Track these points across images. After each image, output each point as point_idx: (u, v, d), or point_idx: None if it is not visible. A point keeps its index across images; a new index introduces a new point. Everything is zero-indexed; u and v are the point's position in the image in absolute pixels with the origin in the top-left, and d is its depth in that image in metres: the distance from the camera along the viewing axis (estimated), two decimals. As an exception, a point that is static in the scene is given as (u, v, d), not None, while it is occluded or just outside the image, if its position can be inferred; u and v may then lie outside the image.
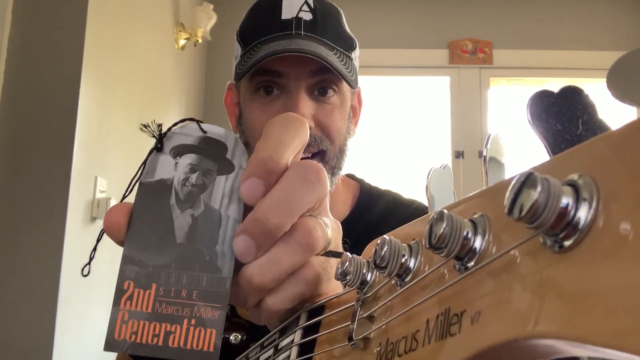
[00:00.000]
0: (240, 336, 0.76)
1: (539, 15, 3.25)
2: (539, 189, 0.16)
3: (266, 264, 0.34)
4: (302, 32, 0.83)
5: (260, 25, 0.86)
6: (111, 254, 2.03)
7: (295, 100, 0.82)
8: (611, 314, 0.15)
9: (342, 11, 0.93)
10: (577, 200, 0.16)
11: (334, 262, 0.39)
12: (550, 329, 0.16)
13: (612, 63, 0.18)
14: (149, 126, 0.39)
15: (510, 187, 0.17)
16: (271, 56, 0.80)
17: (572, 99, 0.20)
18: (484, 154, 0.23)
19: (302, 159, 0.85)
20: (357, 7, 3.16)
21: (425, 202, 0.96)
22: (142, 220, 0.36)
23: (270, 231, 0.34)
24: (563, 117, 0.20)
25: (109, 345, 0.35)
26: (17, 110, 1.77)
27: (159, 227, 0.36)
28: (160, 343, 0.34)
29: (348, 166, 1.06)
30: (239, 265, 0.35)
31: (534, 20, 3.24)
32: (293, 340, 0.37)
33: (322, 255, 0.38)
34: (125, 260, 0.36)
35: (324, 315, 0.35)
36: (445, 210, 0.21)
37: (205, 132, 0.38)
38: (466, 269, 0.21)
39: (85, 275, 0.41)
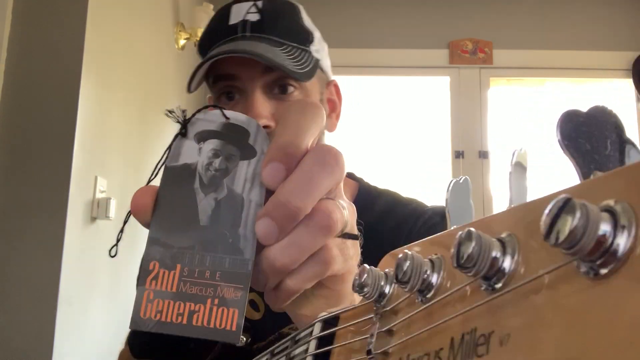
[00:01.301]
0: (245, 338, 0.76)
1: (539, 15, 3.25)
2: (578, 215, 0.16)
3: (288, 246, 0.36)
4: (248, 34, 0.85)
5: (211, 35, 0.89)
6: (111, 254, 2.03)
7: (251, 101, 0.84)
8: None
9: (300, 7, 0.93)
10: (616, 227, 0.16)
11: (350, 243, 0.41)
12: (581, 358, 0.16)
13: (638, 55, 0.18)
14: (174, 112, 0.40)
15: (547, 212, 0.17)
16: (207, 61, 0.83)
17: (601, 118, 0.20)
18: (509, 169, 0.23)
19: None
20: (357, 8, 3.16)
21: (425, 202, 0.96)
22: (168, 203, 0.38)
23: (292, 214, 0.35)
24: (592, 137, 0.20)
25: (135, 323, 0.36)
26: (17, 110, 1.77)
27: (183, 210, 0.38)
28: (184, 321, 0.35)
29: (348, 166, 1.06)
30: (260, 248, 0.37)
31: (534, 20, 3.24)
32: (307, 349, 0.37)
33: (339, 237, 0.39)
34: (151, 241, 0.37)
35: (339, 327, 0.35)
36: (473, 229, 0.21)
37: (228, 118, 0.40)
38: (493, 289, 0.21)
39: (113, 256, 0.43)
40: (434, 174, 3.17)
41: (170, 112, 0.40)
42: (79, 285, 1.83)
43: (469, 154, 3.13)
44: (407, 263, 0.25)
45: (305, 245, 0.36)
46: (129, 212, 0.39)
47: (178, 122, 0.40)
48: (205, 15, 2.64)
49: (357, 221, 0.44)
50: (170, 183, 0.38)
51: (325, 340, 0.36)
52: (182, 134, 0.40)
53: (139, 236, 0.99)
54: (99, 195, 1.93)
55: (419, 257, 0.25)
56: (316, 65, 0.90)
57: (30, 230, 1.72)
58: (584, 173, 0.20)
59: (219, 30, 0.87)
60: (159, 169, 0.40)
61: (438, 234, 0.28)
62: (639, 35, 3.20)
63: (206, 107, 0.41)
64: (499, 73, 3.26)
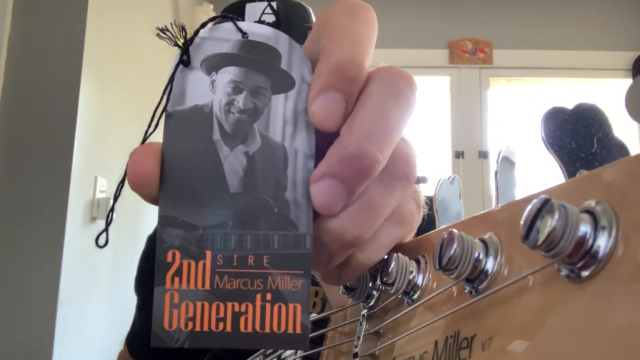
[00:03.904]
0: None
1: (539, 15, 3.24)
2: (556, 216, 0.15)
3: (361, 212, 0.26)
4: None
5: None
6: (111, 253, 2.03)
7: None
8: (627, 352, 0.14)
9: (310, 9, 0.93)
10: (596, 228, 0.16)
11: (419, 188, 0.32)
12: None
13: (631, 83, 0.18)
14: (169, 30, 0.30)
15: (525, 213, 0.16)
16: None
17: (587, 115, 0.20)
18: (496, 167, 0.22)
19: None
20: (357, 7, 3.15)
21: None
22: (180, 166, 0.27)
23: (368, 169, 0.25)
24: (578, 135, 0.20)
25: (158, 339, 0.26)
26: (17, 110, 1.77)
27: (203, 173, 0.27)
28: (228, 329, 0.26)
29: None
30: (316, 215, 0.27)
31: (534, 20, 3.23)
32: (297, 351, 0.36)
33: None
34: (165, 222, 0.27)
35: (329, 328, 0.34)
36: (456, 231, 0.20)
37: (245, 34, 0.29)
38: (477, 292, 0.20)
39: (102, 246, 0.31)
40: (434, 174, 3.16)
41: (162, 30, 0.30)
42: (79, 285, 1.83)
43: (469, 154, 3.12)
44: (393, 265, 0.25)
45: (383, 206, 0.26)
46: (121, 182, 0.29)
47: (176, 44, 0.30)
48: (205, 15, 2.64)
49: None
50: (179, 136, 0.28)
51: (315, 342, 0.35)
52: (184, 62, 0.29)
53: (141, 230, 0.99)
54: (99, 195, 1.93)
55: (404, 258, 0.25)
56: None
57: (30, 230, 1.72)
58: (570, 172, 0.20)
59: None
60: (160, 117, 0.29)
61: (424, 234, 0.28)
62: (639, 35, 3.19)
63: (214, 18, 0.30)
64: (499, 73, 3.25)
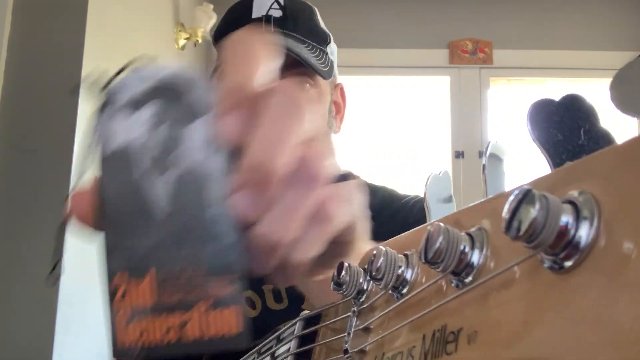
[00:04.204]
0: None
1: (539, 15, 3.23)
2: (537, 207, 0.15)
3: (278, 216, 0.29)
4: (272, 29, 0.85)
5: (232, 26, 0.88)
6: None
7: None
8: (611, 343, 0.14)
9: (315, 9, 0.94)
10: (578, 218, 0.16)
11: (345, 185, 0.34)
12: (547, 355, 0.15)
13: (615, 73, 0.18)
14: (88, 80, 0.32)
15: (507, 204, 0.16)
16: None
17: (574, 107, 0.20)
18: (483, 162, 0.22)
19: None
20: (357, 8, 3.16)
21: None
22: (114, 199, 0.30)
23: (267, 177, 0.29)
24: (564, 127, 0.20)
25: (118, 355, 0.29)
26: (17, 110, 1.77)
27: (136, 203, 0.30)
28: (175, 338, 0.29)
29: (347, 165, 1.06)
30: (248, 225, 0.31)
31: (534, 20, 3.23)
32: (289, 348, 0.36)
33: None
34: (110, 249, 0.30)
35: (320, 325, 0.34)
36: (442, 224, 0.20)
37: (159, 72, 0.32)
38: (463, 284, 0.20)
39: (53, 283, 0.34)
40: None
41: (83, 84, 0.32)
42: (79, 286, 1.83)
43: (469, 154, 3.12)
44: (381, 259, 0.25)
45: (298, 208, 0.29)
46: (63, 223, 0.33)
47: (100, 90, 0.32)
48: (205, 15, 2.63)
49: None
50: (110, 174, 0.31)
51: (307, 339, 0.35)
52: (103, 107, 0.31)
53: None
54: (98, 195, 1.93)
55: (392, 253, 0.25)
56: (332, 66, 0.91)
57: (30, 230, 1.72)
58: (556, 164, 0.20)
59: (241, 23, 0.87)
60: (90, 160, 0.32)
61: (414, 229, 0.28)
62: (639, 35, 3.19)
63: (124, 68, 0.33)
64: (499, 73, 3.24)
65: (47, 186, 1.75)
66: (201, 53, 3.10)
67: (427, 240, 0.20)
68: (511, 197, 0.16)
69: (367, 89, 3.29)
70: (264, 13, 0.86)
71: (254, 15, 0.86)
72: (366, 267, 0.29)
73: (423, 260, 0.20)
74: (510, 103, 3.30)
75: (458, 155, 3.13)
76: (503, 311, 0.18)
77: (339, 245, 0.34)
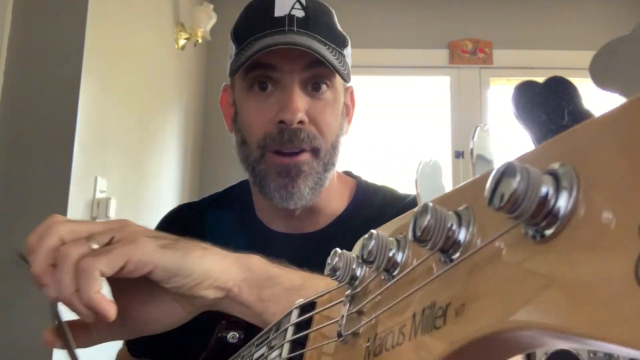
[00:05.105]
0: (237, 335, 0.76)
1: (539, 15, 3.24)
2: (518, 178, 0.16)
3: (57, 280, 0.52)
4: (295, 28, 0.85)
5: (254, 23, 0.88)
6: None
7: (289, 95, 0.84)
8: (592, 304, 0.14)
9: (333, 11, 0.94)
10: (558, 189, 0.16)
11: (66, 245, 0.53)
12: (531, 321, 0.16)
13: (595, 52, 0.18)
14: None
15: (490, 177, 0.17)
16: (265, 49, 0.81)
17: (558, 89, 0.20)
18: (471, 146, 0.23)
19: (294, 153, 0.87)
20: (357, 7, 3.16)
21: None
22: None
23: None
24: (548, 108, 0.20)
25: None
26: (17, 110, 1.77)
27: None
28: None
29: (347, 165, 1.07)
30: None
31: (534, 20, 3.23)
32: (285, 336, 0.37)
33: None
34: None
35: (315, 312, 0.35)
36: (430, 203, 0.20)
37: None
38: (451, 261, 0.21)
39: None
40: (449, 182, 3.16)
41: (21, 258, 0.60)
42: (79, 285, 1.83)
43: (469, 154, 3.12)
44: (373, 242, 0.25)
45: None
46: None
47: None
48: (205, 15, 2.64)
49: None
50: None
51: (303, 326, 0.36)
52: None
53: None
54: (99, 195, 1.93)
55: (384, 235, 0.25)
56: (349, 68, 0.92)
57: (30, 230, 1.72)
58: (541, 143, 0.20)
59: (263, 21, 0.87)
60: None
61: (406, 213, 0.28)
62: None
63: None
64: (499, 73, 3.25)
65: (46, 186, 1.75)
66: (201, 53, 3.11)
67: (416, 218, 0.21)
68: (494, 171, 0.17)
69: (367, 88, 3.30)
70: (287, 12, 0.86)
71: (276, 14, 0.86)
72: (359, 253, 0.30)
73: (412, 239, 0.21)
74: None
75: (458, 155, 3.14)
76: (488, 282, 0.18)
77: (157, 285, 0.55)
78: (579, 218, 0.16)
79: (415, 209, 0.21)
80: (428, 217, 0.20)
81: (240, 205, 0.96)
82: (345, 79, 0.88)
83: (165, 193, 2.61)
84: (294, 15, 0.86)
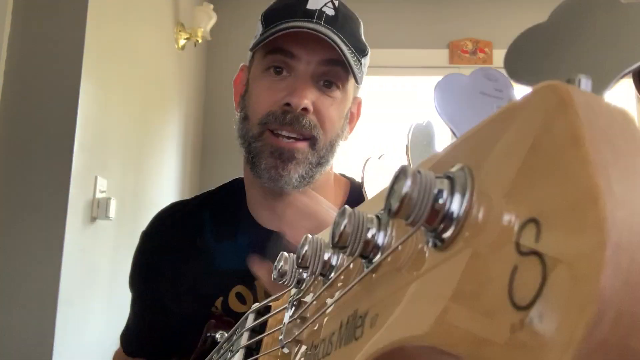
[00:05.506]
0: (226, 334, 0.76)
1: (539, 15, 3.18)
2: (408, 182, 0.15)
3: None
4: (322, 23, 0.87)
5: (285, 10, 0.90)
6: (111, 253, 2.04)
7: (300, 83, 0.85)
8: (470, 320, 0.13)
9: (361, 22, 0.97)
10: (452, 192, 0.15)
11: None
12: (424, 334, 0.15)
13: (508, 46, 0.17)
14: None
15: (390, 183, 0.16)
16: (289, 29, 0.84)
17: (483, 81, 0.19)
18: (407, 143, 0.22)
19: (292, 140, 0.89)
20: (357, 7, 3.14)
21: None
22: None
23: None
24: (476, 101, 0.19)
25: None
26: (17, 110, 1.77)
27: None
28: None
29: (347, 165, 1.06)
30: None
31: (534, 20, 3.17)
32: (240, 342, 0.36)
33: None
34: None
35: (267, 316, 0.34)
36: (348, 208, 0.19)
37: None
38: (371, 265, 0.20)
39: None
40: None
41: None
42: (79, 285, 1.84)
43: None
44: (306, 247, 0.24)
45: None
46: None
47: None
48: (205, 15, 2.64)
49: None
50: None
51: (257, 331, 0.35)
52: None
53: (141, 229, 0.99)
54: (99, 195, 1.93)
55: (318, 240, 0.24)
56: (363, 77, 0.94)
57: (30, 230, 1.73)
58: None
59: (296, 8, 0.89)
60: None
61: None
62: None
63: None
64: (500, 72, 3.23)
65: (47, 186, 1.75)
66: (201, 53, 3.11)
67: (335, 224, 0.20)
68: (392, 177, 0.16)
69: (367, 88, 3.28)
70: (319, 7, 0.88)
71: (308, 6, 0.88)
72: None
73: (331, 245, 0.20)
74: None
75: (459, 154, 3.12)
76: (395, 293, 0.17)
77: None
78: (472, 220, 0.15)
79: (335, 216, 0.20)
80: (345, 221, 0.19)
81: (232, 203, 0.96)
82: (358, 81, 0.90)
83: (165, 193, 2.61)
84: (324, 12, 0.88)
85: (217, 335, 0.75)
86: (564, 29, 0.17)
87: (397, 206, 0.15)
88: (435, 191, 0.15)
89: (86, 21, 1.85)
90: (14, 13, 1.80)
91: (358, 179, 1.03)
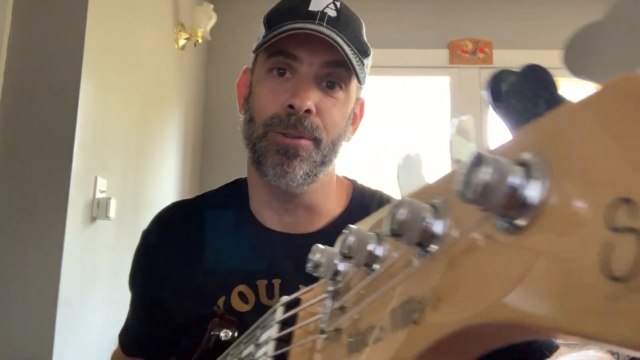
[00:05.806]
0: (230, 333, 0.77)
1: (539, 15, 3.23)
2: (486, 169, 0.15)
3: None
4: (324, 24, 0.88)
5: (287, 12, 0.91)
6: (111, 254, 2.03)
7: (303, 84, 0.86)
8: (561, 296, 0.14)
9: (364, 24, 0.97)
10: (528, 179, 0.16)
11: None
12: (504, 314, 0.15)
13: (569, 38, 0.18)
14: None
15: (462, 170, 0.16)
16: (292, 31, 0.85)
17: (533, 77, 0.20)
18: (450, 138, 0.22)
19: (296, 138, 0.90)
20: (357, 7, 3.16)
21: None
22: None
23: None
24: (524, 96, 0.20)
25: None
26: (17, 110, 1.77)
27: None
28: None
29: (347, 166, 1.07)
30: None
31: (534, 20, 3.22)
32: (270, 334, 0.36)
33: None
34: None
35: (299, 308, 0.34)
36: (406, 197, 0.20)
37: None
38: (428, 254, 0.20)
39: None
40: (433, 174, 3.15)
41: None
42: (79, 285, 1.83)
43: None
44: (351, 238, 0.25)
45: None
46: None
47: None
48: (205, 15, 2.64)
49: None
50: None
51: (288, 324, 0.35)
52: None
53: (141, 229, 0.99)
54: (99, 195, 1.93)
55: (362, 230, 0.25)
56: (365, 77, 0.94)
57: (30, 230, 1.73)
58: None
59: (298, 10, 0.90)
60: None
61: (384, 207, 0.28)
62: None
63: None
64: (499, 73, 3.24)
65: (47, 186, 1.75)
66: (201, 53, 3.11)
67: (391, 213, 0.20)
68: (466, 163, 0.16)
69: (367, 88, 3.29)
70: (321, 9, 0.89)
71: (310, 8, 0.89)
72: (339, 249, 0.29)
73: (389, 234, 0.20)
74: (511, 103, 3.29)
75: (458, 155, 3.13)
76: (464, 276, 0.18)
77: None
78: (550, 208, 0.15)
79: (392, 203, 0.21)
80: (402, 211, 0.20)
81: (235, 203, 0.96)
82: (360, 81, 0.91)
83: (165, 193, 2.61)
84: (326, 13, 0.89)
85: (222, 334, 0.75)
86: (623, 24, 0.18)
87: (475, 192, 0.15)
88: (513, 179, 0.15)
89: (86, 21, 1.85)
90: (14, 13, 1.80)
91: (358, 179, 1.04)
